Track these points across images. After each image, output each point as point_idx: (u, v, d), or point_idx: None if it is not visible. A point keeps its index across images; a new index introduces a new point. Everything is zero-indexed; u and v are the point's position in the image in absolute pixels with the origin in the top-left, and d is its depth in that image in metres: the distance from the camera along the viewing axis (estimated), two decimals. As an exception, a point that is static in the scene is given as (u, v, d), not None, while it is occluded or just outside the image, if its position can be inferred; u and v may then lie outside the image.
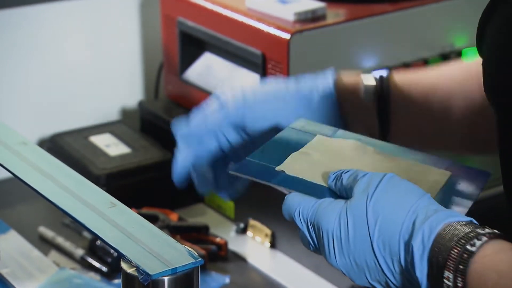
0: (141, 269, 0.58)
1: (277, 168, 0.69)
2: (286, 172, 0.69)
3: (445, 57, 1.12)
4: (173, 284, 0.58)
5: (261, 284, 1.00)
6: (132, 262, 0.59)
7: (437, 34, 1.10)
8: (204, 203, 1.16)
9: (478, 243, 0.55)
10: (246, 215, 1.09)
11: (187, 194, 1.16)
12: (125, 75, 1.31)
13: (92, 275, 0.99)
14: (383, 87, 0.76)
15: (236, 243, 1.06)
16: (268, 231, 1.06)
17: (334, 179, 0.64)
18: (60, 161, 0.73)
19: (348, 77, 0.79)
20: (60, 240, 1.04)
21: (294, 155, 0.71)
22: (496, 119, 0.65)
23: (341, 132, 0.75)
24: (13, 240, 1.03)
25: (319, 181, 0.67)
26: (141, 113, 1.25)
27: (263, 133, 0.76)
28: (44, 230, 1.06)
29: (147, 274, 0.58)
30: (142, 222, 0.65)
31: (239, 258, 1.04)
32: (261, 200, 1.06)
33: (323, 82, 0.78)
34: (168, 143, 1.19)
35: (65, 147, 1.17)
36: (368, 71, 0.81)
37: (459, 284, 0.55)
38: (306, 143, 0.72)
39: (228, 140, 0.77)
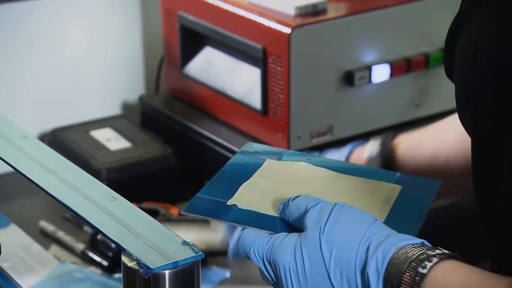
0: (142, 262, 0.58)
1: (228, 203, 0.68)
2: (238, 205, 0.67)
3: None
4: (173, 278, 0.58)
5: (261, 279, 1.00)
6: (133, 256, 0.59)
7: (438, 28, 1.10)
8: (204, 197, 1.15)
9: (429, 265, 0.56)
10: (246, 209, 1.08)
11: (187, 189, 1.16)
12: (126, 70, 1.30)
13: (93, 269, 0.99)
14: (386, 156, 0.79)
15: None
16: (269, 226, 1.06)
17: (282, 210, 0.64)
18: (61, 155, 0.73)
19: (359, 150, 0.82)
20: (60, 234, 1.04)
21: (245, 185, 0.69)
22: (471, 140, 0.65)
23: (289, 152, 0.73)
24: (14, 234, 1.03)
25: (271, 211, 0.66)
26: (142, 107, 1.25)
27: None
28: (45, 224, 1.06)
29: (148, 267, 0.58)
30: (143, 216, 0.65)
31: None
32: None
33: (340, 155, 0.82)
34: (168, 137, 1.19)
35: (66, 142, 1.17)
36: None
37: None
38: (255, 170, 0.71)
39: None
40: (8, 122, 0.78)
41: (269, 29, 1.05)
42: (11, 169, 0.71)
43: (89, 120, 1.24)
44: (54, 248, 1.02)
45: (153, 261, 0.58)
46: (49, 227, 1.05)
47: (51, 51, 1.24)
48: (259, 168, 0.71)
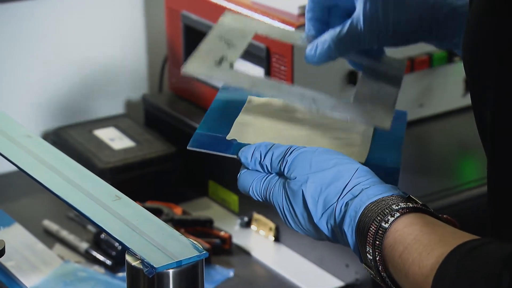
0: (145, 261, 0.58)
1: (228, 137, 0.71)
2: (238, 140, 0.70)
3: (450, 52, 1.12)
4: (177, 277, 0.58)
5: (265, 278, 1.00)
6: (137, 255, 0.59)
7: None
8: (208, 196, 1.16)
9: (391, 219, 0.60)
10: (250, 208, 1.09)
11: (191, 188, 1.16)
12: (129, 69, 1.31)
13: (97, 268, 0.99)
14: None
15: (240, 237, 1.06)
16: (272, 225, 1.06)
17: (278, 165, 0.67)
18: (65, 154, 0.73)
19: None
20: (64, 233, 1.04)
21: (237, 121, 0.72)
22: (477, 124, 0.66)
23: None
24: (18, 233, 1.03)
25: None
26: (145, 106, 1.25)
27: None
28: (49, 224, 1.06)
29: (152, 266, 0.58)
30: (146, 215, 0.65)
31: (243, 252, 1.04)
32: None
33: None
34: (172, 136, 1.19)
35: (69, 141, 1.17)
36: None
37: (377, 258, 0.60)
38: (241, 105, 0.74)
39: None
40: (12, 121, 0.78)
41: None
42: (15, 168, 0.71)
43: (92, 119, 1.24)
44: (58, 247, 1.03)
45: (157, 260, 0.58)
46: (53, 226, 1.05)
47: (55, 50, 1.24)
48: (243, 107, 0.74)
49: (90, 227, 1.04)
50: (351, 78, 1.07)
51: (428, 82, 1.13)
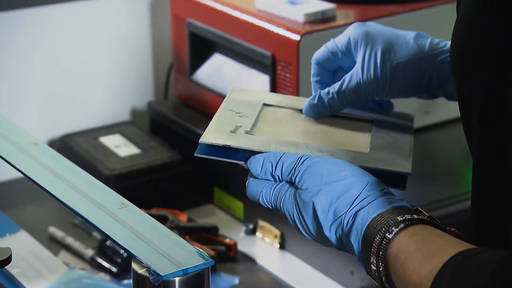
0: (152, 269, 0.58)
1: (225, 143, 0.71)
2: (232, 145, 0.71)
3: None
4: (184, 285, 0.58)
5: (270, 285, 1.00)
6: (143, 263, 0.59)
7: (446, 35, 1.10)
8: (213, 204, 1.16)
9: (395, 230, 0.61)
10: (255, 216, 1.09)
11: (196, 195, 1.16)
12: (135, 76, 1.31)
13: (102, 275, 0.99)
14: None
15: (245, 244, 1.06)
16: (277, 232, 1.06)
17: (267, 168, 0.68)
18: (71, 162, 0.73)
19: None
20: (70, 240, 1.04)
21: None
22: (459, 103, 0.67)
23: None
24: (24, 240, 1.04)
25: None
26: (151, 114, 1.25)
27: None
28: (54, 230, 1.06)
29: (158, 274, 0.58)
30: (152, 223, 0.65)
31: (248, 259, 1.04)
32: (270, 201, 1.06)
33: None
34: (177, 143, 1.19)
35: (75, 148, 1.18)
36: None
37: (380, 268, 0.61)
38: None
39: None
40: (19, 129, 0.78)
41: (278, 36, 1.05)
42: (21, 175, 0.71)
43: (98, 127, 1.25)
44: (63, 254, 1.03)
45: (163, 268, 0.58)
46: (58, 233, 1.05)
47: (61, 58, 1.25)
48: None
49: (96, 234, 1.04)
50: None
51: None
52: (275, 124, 0.75)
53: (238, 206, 1.12)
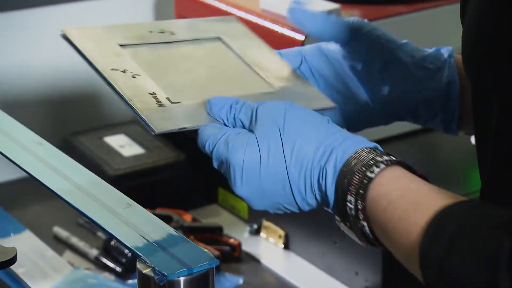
0: (157, 269, 0.58)
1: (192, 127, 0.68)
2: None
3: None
4: (188, 285, 0.58)
5: (274, 285, 1.00)
6: (148, 263, 0.59)
7: (452, 36, 1.10)
8: (217, 204, 1.16)
9: (376, 170, 0.59)
10: (259, 216, 1.09)
11: (200, 195, 1.16)
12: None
13: (107, 275, 0.99)
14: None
15: (249, 244, 1.06)
16: (282, 232, 1.06)
17: (226, 109, 0.66)
18: (76, 162, 0.73)
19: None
20: (74, 240, 1.04)
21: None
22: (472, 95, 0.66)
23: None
24: (28, 240, 1.04)
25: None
26: (155, 113, 1.25)
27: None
28: (59, 230, 1.06)
29: (163, 274, 0.58)
30: (157, 223, 0.65)
31: (253, 259, 1.04)
32: (275, 201, 1.06)
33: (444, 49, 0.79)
34: (181, 143, 1.19)
35: (79, 147, 1.18)
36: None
37: (359, 207, 0.59)
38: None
39: None
40: (24, 129, 0.78)
41: (282, 36, 1.05)
42: (25, 175, 0.71)
43: (102, 126, 1.25)
44: (68, 254, 1.03)
45: (168, 268, 0.58)
46: (63, 233, 1.05)
47: (65, 57, 1.25)
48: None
49: (100, 234, 1.04)
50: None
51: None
52: (169, 75, 0.69)
53: (243, 206, 1.12)
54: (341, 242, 0.98)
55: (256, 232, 1.08)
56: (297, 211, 0.64)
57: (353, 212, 0.60)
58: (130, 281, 0.99)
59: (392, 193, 0.59)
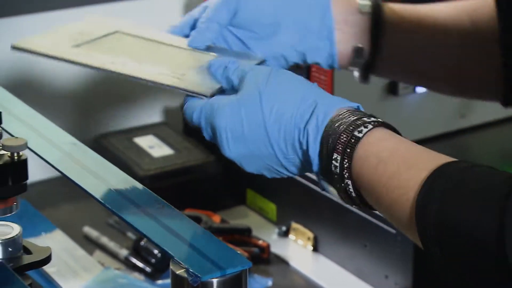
0: (190, 270, 0.58)
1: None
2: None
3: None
4: (222, 286, 0.59)
5: (303, 287, 1.00)
6: (181, 264, 0.60)
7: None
8: (246, 205, 1.16)
9: (364, 130, 0.60)
10: (288, 218, 1.09)
11: (229, 196, 1.16)
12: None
13: (136, 275, 1.00)
14: (379, 5, 0.77)
15: (278, 246, 1.06)
16: (311, 235, 1.06)
17: (221, 68, 0.67)
18: (109, 163, 0.74)
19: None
20: (104, 240, 1.05)
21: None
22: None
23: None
24: (59, 239, 1.04)
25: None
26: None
27: (253, 25, 0.75)
28: (89, 230, 1.07)
29: (197, 275, 0.58)
30: (190, 224, 0.65)
31: (282, 261, 1.04)
32: (304, 203, 1.06)
33: None
34: (210, 145, 1.19)
35: (109, 148, 1.18)
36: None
37: (345, 165, 0.60)
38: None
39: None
40: (58, 130, 0.79)
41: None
42: (56, 175, 0.72)
43: (132, 127, 1.25)
44: (98, 254, 1.03)
45: (202, 269, 0.58)
46: (93, 232, 1.06)
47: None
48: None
49: (130, 234, 1.04)
50: (392, 88, 1.07)
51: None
52: (110, 46, 0.71)
53: (271, 208, 1.12)
54: (371, 245, 0.98)
55: (285, 234, 1.08)
56: (287, 173, 0.65)
57: (337, 170, 0.61)
58: (159, 281, 0.99)
59: (382, 152, 0.60)
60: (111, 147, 1.19)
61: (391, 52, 0.76)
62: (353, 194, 0.62)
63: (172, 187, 1.12)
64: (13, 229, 0.66)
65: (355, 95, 1.05)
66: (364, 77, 0.78)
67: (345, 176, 0.61)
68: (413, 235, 0.57)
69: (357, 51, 0.76)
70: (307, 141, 0.62)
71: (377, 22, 0.76)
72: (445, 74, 0.78)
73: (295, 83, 0.64)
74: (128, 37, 0.76)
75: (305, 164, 0.64)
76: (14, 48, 0.68)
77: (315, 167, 0.62)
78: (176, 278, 0.60)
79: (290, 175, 0.66)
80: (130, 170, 1.12)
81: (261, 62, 0.75)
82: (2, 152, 0.63)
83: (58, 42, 0.68)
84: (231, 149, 0.65)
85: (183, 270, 0.59)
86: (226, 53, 0.74)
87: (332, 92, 1.04)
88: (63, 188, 1.12)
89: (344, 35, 0.76)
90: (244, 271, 0.60)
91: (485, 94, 0.78)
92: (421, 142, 1.08)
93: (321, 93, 0.64)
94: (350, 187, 0.61)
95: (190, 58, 0.74)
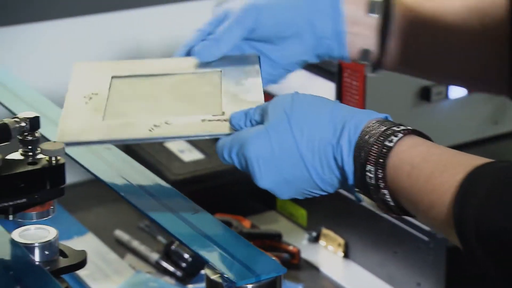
0: (225, 276, 0.58)
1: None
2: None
3: None
4: (256, 292, 0.58)
5: (334, 293, 1.00)
6: (216, 269, 0.59)
7: None
8: (276, 210, 1.16)
9: (395, 139, 0.61)
10: (318, 223, 1.08)
11: (259, 201, 1.16)
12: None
13: (167, 279, 1.00)
14: (389, 3, 0.77)
15: (308, 252, 1.06)
16: (341, 241, 1.05)
17: (242, 118, 0.67)
18: (142, 166, 0.74)
19: None
20: (135, 243, 1.05)
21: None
22: None
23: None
24: (91, 243, 1.05)
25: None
26: (215, 119, 1.26)
27: (272, 38, 0.75)
28: (120, 233, 1.07)
29: (232, 281, 0.58)
30: (224, 229, 0.65)
31: (312, 267, 1.04)
32: (334, 209, 1.05)
33: None
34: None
35: (140, 152, 1.19)
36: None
37: (380, 175, 0.61)
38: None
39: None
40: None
41: (345, 43, 1.04)
42: (89, 178, 0.72)
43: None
44: (129, 257, 1.04)
45: (237, 275, 0.58)
46: (124, 236, 1.06)
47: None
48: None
49: (161, 238, 1.05)
50: (424, 94, 1.06)
51: (503, 99, 1.11)
52: (124, 102, 0.71)
53: (301, 213, 1.11)
54: (402, 251, 0.97)
55: (315, 240, 1.08)
56: (322, 193, 0.65)
57: (373, 181, 0.61)
58: (190, 286, 0.99)
59: (414, 158, 0.60)
60: (142, 151, 1.19)
61: (399, 51, 0.77)
62: (391, 203, 0.62)
63: (202, 191, 1.12)
64: (50, 233, 0.66)
65: (387, 101, 1.05)
66: (373, 71, 0.78)
67: (381, 186, 0.61)
68: (454, 238, 0.57)
69: (364, 53, 0.76)
70: (341, 157, 0.62)
71: (386, 22, 0.76)
72: (453, 73, 0.78)
73: (320, 103, 0.64)
74: (131, 81, 0.75)
75: (342, 180, 0.64)
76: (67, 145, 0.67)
77: (351, 181, 0.63)
78: (211, 283, 0.60)
79: (324, 194, 0.66)
80: (160, 174, 1.12)
81: (258, 59, 0.75)
82: (41, 156, 0.63)
83: (88, 119, 0.69)
84: (264, 178, 0.64)
85: (218, 276, 0.59)
86: (225, 60, 0.74)
87: (364, 98, 1.04)
88: (94, 191, 1.12)
89: (353, 36, 0.77)
90: (279, 277, 0.60)
91: (494, 90, 0.78)
92: (454, 148, 1.08)
93: (348, 108, 0.64)
94: (387, 196, 0.61)
95: (203, 86, 0.74)
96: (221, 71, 0.75)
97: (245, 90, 0.72)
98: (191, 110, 0.70)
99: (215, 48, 0.74)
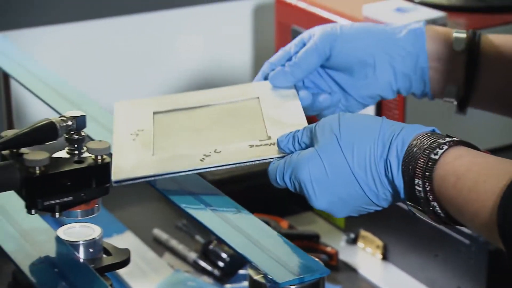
0: (269, 277, 0.58)
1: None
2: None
3: None
4: (299, 294, 0.58)
5: (371, 296, 0.99)
6: (259, 269, 0.60)
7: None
8: (313, 211, 1.15)
9: (440, 151, 0.62)
10: (357, 225, 1.08)
11: (296, 202, 1.16)
12: (237, 82, 1.32)
13: (205, 278, 1.00)
14: (475, 39, 0.76)
15: (346, 253, 1.05)
16: (380, 243, 1.05)
17: (290, 141, 0.68)
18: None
19: (439, 27, 0.80)
20: (173, 242, 1.06)
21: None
22: None
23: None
24: (129, 241, 1.06)
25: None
26: (252, 119, 1.26)
27: (347, 68, 0.76)
28: (159, 232, 1.08)
29: (275, 282, 0.58)
30: (266, 230, 0.65)
31: (350, 269, 1.03)
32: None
33: (414, 24, 0.80)
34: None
35: (178, 151, 1.19)
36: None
37: (427, 188, 0.62)
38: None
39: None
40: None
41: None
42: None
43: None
44: (168, 256, 1.04)
45: (280, 276, 0.58)
46: (163, 235, 1.07)
47: (167, 61, 1.27)
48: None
49: (199, 238, 1.05)
50: (461, 108, 1.05)
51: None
52: (170, 135, 0.72)
53: (339, 214, 1.11)
54: (442, 255, 0.96)
55: (353, 241, 1.07)
56: (377, 208, 0.66)
57: (422, 194, 0.62)
58: (228, 285, 0.99)
59: (459, 169, 0.61)
60: (180, 150, 1.19)
61: (487, 87, 0.76)
62: (442, 215, 0.62)
63: (240, 191, 1.12)
64: (94, 231, 0.67)
65: (427, 108, 1.03)
66: (460, 110, 0.78)
67: (430, 198, 0.62)
68: (500, 244, 0.57)
69: (449, 91, 0.76)
70: (391, 172, 0.63)
71: (472, 59, 0.75)
72: None
73: (366, 121, 0.65)
74: (173, 115, 0.76)
75: (395, 195, 0.65)
76: (116, 182, 0.69)
77: (402, 195, 0.64)
78: (254, 283, 0.60)
79: (379, 209, 0.67)
80: (198, 174, 1.13)
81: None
82: (86, 154, 0.64)
83: (139, 156, 0.70)
84: (320, 200, 0.66)
85: (261, 276, 0.60)
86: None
87: (403, 109, 1.03)
88: (133, 190, 1.13)
89: (437, 73, 0.76)
90: (322, 278, 0.60)
91: None
92: (500, 150, 1.07)
93: (396, 124, 0.65)
94: (437, 208, 0.62)
95: (243, 113, 0.75)
96: (258, 97, 0.76)
97: (286, 114, 0.73)
98: (237, 137, 0.72)
99: (290, 75, 0.77)
